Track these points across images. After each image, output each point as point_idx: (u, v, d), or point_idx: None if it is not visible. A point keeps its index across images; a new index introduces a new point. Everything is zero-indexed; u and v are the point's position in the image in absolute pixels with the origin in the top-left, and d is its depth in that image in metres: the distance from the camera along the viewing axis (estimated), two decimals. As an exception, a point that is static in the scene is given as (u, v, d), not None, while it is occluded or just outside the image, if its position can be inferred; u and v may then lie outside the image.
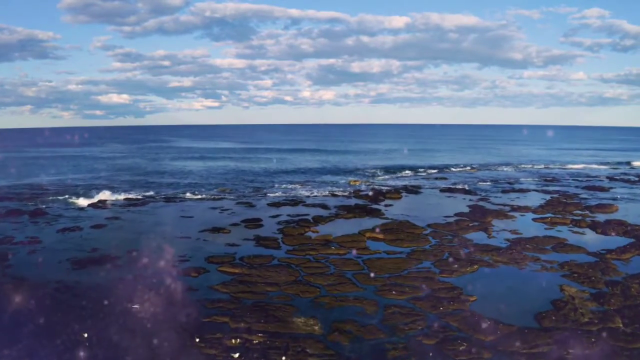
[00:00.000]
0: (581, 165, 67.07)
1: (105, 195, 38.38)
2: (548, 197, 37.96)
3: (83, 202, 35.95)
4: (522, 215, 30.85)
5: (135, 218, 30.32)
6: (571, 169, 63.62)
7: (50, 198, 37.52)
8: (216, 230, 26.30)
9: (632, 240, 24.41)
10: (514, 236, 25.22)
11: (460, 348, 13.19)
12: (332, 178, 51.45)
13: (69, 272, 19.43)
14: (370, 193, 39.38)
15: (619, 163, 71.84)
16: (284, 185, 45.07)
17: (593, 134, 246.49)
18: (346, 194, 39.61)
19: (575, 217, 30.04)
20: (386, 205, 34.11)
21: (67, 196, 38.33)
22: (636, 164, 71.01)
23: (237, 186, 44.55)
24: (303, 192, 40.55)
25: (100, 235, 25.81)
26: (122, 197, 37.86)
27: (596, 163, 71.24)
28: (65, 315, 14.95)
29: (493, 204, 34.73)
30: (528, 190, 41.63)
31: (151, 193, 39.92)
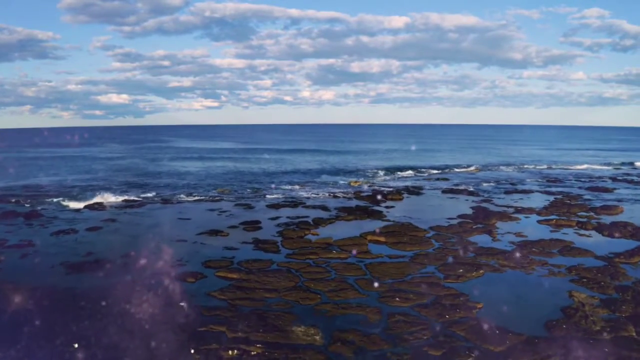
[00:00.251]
0: (584, 166, 66.46)
1: (101, 196, 37.74)
2: (552, 198, 37.37)
3: (79, 203, 35.31)
4: (526, 217, 30.25)
5: (132, 220, 29.70)
6: (573, 169, 63.04)
7: (47, 199, 36.91)
8: (214, 233, 25.69)
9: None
10: (519, 239, 24.61)
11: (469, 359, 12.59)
12: (332, 179, 50.84)
13: (61, 278, 18.80)
14: (371, 194, 38.77)
15: (622, 163, 71.26)
16: (284, 186, 44.45)
17: (593, 133, 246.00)
18: (347, 195, 39.00)
19: (580, 219, 29.44)
20: (387, 207, 33.51)
21: (63, 197, 37.72)
22: (639, 164, 70.46)
23: (236, 187, 43.94)
24: (303, 193, 39.93)
25: (95, 239, 25.21)
26: (119, 198, 37.24)
27: (598, 163, 70.66)
28: (53, 323, 14.33)
29: (496, 205, 34.12)
30: (531, 192, 41.02)
31: (148, 194, 39.30)
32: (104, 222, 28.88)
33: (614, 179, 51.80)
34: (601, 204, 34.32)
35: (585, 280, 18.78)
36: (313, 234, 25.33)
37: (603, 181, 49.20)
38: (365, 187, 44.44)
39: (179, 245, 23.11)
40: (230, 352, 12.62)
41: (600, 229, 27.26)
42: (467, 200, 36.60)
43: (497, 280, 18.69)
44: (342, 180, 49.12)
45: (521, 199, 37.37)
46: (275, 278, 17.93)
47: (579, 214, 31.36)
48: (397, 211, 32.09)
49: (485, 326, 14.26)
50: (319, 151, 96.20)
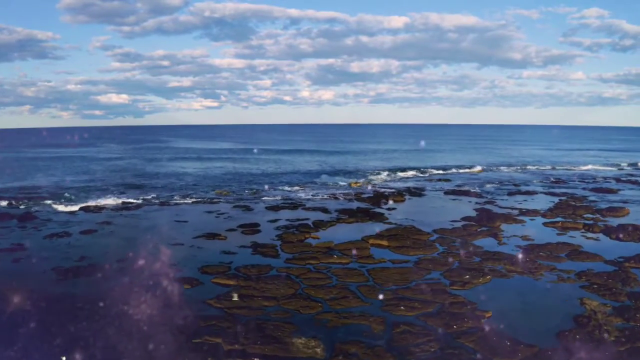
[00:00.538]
0: (587, 167, 65.76)
1: (98, 198, 37.09)
2: (556, 199, 36.68)
3: (75, 205, 34.60)
4: (531, 220, 29.55)
5: (128, 223, 28.98)
6: (576, 170, 62.35)
7: (42, 201, 36.21)
8: (211, 236, 24.97)
9: (650, 246, 23.14)
10: (526, 242, 23.91)
11: (479, 374, 11.90)
12: (332, 180, 50.11)
13: (51, 284, 18.08)
14: (372, 195, 38.07)
15: (630, 164, 70.34)
16: (283, 188, 43.72)
17: (593, 133, 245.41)
18: (347, 196, 38.29)
19: (586, 222, 28.75)
20: (389, 209, 32.80)
21: (58, 199, 37.04)
22: (642, 164, 69.80)
23: (235, 188, 43.20)
24: (302, 195, 39.22)
25: (89, 242, 24.49)
26: (115, 200, 36.51)
27: (600, 164, 70.02)
28: (39, 333, 13.61)
29: (500, 207, 33.42)
30: (535, 193, 40.33)
31: (145, 196, 38.55)
32: (99, 224, 28.17)
33: (617, 179, 51.14)
34: (607, 206, 33.64)
35: (595, 286, 18.09)
36: (313, 238, 24.62)
37: (607, 182, 48.53)
38: (366, 188, 43.73)
39: (175, 249, 22.38)
40: (226, 366, 11.93)
41: (607, 231, 26.57)
42: (470, 201, 35.91)
43: (504, 286, 17.99)
44: (342, 181, 48.40)
45: (525, 200, 36.68)
46: (274, 285, 17.21)
47: (585, 216, 30.68)
48: (399, 213, 31.39)
49: (495, 337, 13.56)
50: (319, 151, 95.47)
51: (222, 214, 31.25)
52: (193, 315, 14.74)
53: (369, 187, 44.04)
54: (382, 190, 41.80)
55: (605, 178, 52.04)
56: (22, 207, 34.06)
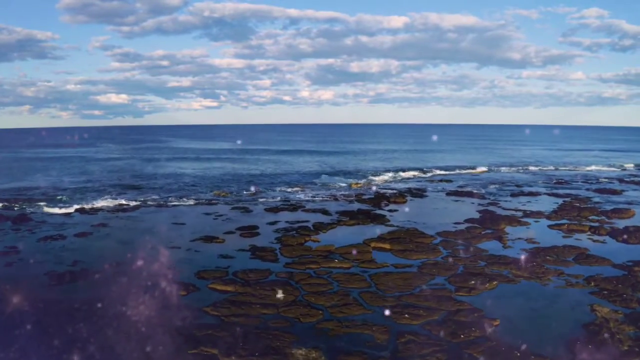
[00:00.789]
0: (590, 167, 65.19)
1: (94, 199, 36.48)
2: (560, 201, 36.09)
3: (70, 207, 33.95)
4: (536, 222, 28.95)
5: (124, 225, 28.36)
6: (578, 170, 61.77)
7: (37, 203, 35.54)
8: (209, 239, 24.36)
9: (659, 250, 22.56)
10: (531, 245, 23.32)
11: (488, 387, 11.30)
12: (332, 180, 49.45)
13: (43, 290, 17.46)
14: (373, 197, 37.46)
15: (636, 165, 69.54)
16: (282, 189, 43.09)
17: (593, 133, 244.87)
18: (348, 197, 37.69)
19: (592, 224, 28.17)
20: (390, 211, 32.20)
21: (54, 200, 36.45)
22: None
23: (233, 189, 42.56)
24: (302, 196, 38.61)
25: (83, 245, 23.89)
26: (111, 201, 35.87)
27: (602, 164, 69.43)
28: (28, 340, 13.00)
29: (504, 208, 32.83)
30: (538, 194, 39.74)
31: (143, 197, 37.91)
32: (95, 227, 27.56)
33: (620, 180, 50.58)
34: (612, 207, 33.05)
35: (605, 292, 17.51)
36: (313, 241, 24.01)
37: (610, 183, 47.95)
38: (367, 189, 43.12)
39: (171, 253, 21.73)
40: (222, 379, 11.32)
41: (614, 234, 25.99)
42: (472, 203, 35.32)
43: (511, 292, 17.38)
44: (342, 182, 47.76)
45: (529, 201, 36.08)
46: (273, 291, 16.59)
47: (590, 217, 30.10)
48: (400, 215, 30.79)
49: (504, 347, 12.97)
50: (319, 152, 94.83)
51: (221, 215, 30.65)
52: (188, 324, 14.14)
53: (370, 188, 43.42)
54: (383, 191, 41.20)
55: (608, 179, 51.46)
56: (16, 208, 33.44)
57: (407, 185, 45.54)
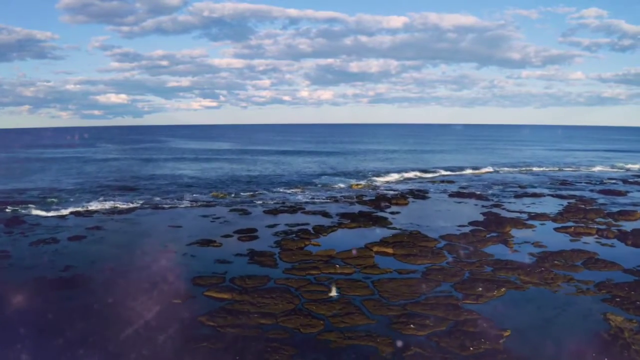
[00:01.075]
0: (593, 168, 64.46)
1: (90, 201, 35.71)
2: (565, 202, 35.40)
3: (65, 209, 33.20)
4: (541, 224, 28.24)
5: (119, 228, 27.63)
6: (581, 171, 61.08)
7: (31, 204, 34.74)
8: (206, 242, 23.62)
9: (670, 254, 21.86)
10: (539, 250, 22.61)
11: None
12: (332, 181, 48.68)
13: (32, 297, 16.70)
14: (374, 198, 36.75)
15: None
16: (282, 190, 42.33)
17: (593, 133, 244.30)
18: (348, 199, 36.95)
19: (599, 226, 27.47)
20: (392, 213, 31.47)
21: (49, 202, 35.70)
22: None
23: (232, 190, 41.80)
24: (302, 198, 37.87)
25: (77, 249, 23.15)
26: (107, 203, 35.10)
27: (605, 165, 68.72)
28: (12, 354, 12.28)
29: (508, 210, 32.12)
30: (542, 195, 39.04)
31: (139, 199, 37.15)
32: (89, 230, 26.83)
33: (624, 181, 49.89)
34: (618, 209, 32.36)
35: (618, 299, 16.80)
36: (314, 245, 23.29)
37: (614, 184, 47.25)
38: (368, 190, 42.39)
39: (166, 258, 21.03)
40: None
41: (622, 237, 25.30)
42: (476, 205, 34.60)
43: (521, 300, 16.67)
44: (342, 183, 46.99)
45: (533, 203, 35.37)
46: (272, 299, 15.86)
47: (597, 220, 29.41)
48: (403, 217, 30.06)
49: (516, 361, 12.24)
50: (318, 152, 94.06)
51: (218, 218, 29.92)
52: (183, 335, 13.41)
53: (371, 189, 42.69)
54: (384, 192, 40.48)
55: (612, 179, 50.77)
56: (8, 210, 32.67)
57: (408, 186, 44.82)
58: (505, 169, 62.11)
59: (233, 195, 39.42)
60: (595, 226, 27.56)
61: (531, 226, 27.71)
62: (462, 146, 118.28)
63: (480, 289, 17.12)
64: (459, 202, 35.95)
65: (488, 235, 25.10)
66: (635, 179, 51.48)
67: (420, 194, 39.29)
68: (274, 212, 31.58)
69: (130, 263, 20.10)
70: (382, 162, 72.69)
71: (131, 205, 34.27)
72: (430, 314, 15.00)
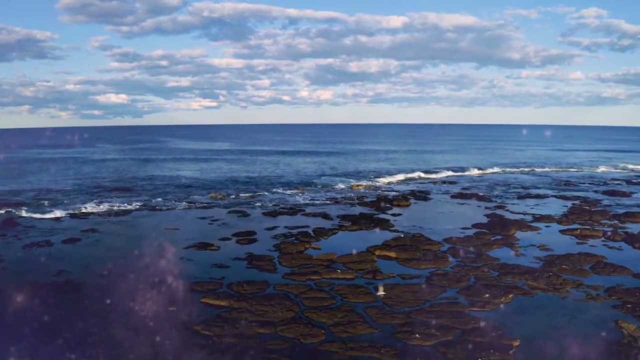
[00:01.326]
0: (596, 169, 63.87)
1: (86, 202, 35.06)
2: (569, 204, 34.82)
3: (61, 211, 32.54)
4: (547, 227, 27.65)
5: (115, 230, 27.03)
6: (583, 171, 60.50)
7: (26, 206, 34.08)
8: (203, 246, 23.03)
9: (679, 257, 21.27)
10: (545, 253, 22.02)
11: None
12: (332, 182, 48.06)
13: (23, 302, 16.09)
14: (375, 199, 36.16)
15: None
16: (281, 191, 41.71)
17: (593, 133, 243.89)
18: (349, 200, 36.35)
19: (606, 229, 26.89)
20: (394, 215, 30.87)
21: (45, 204, 35.05)
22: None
23: (231, 191, 41.17)
24: (302, 199, 37.26)
25: (71, 253, 22.56)
26: (104, 204, 34.45)
27: (607, 165, 68.13)
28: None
29: (512, 212, 31.53)
30: (545, 196, 38.46)
31: (136, 200, 36.49)
32: (84, 232, 26.23)
33: (628, 181, 49.34)
34: (623, 211, 31.78)
35: (629, 306, 16.20)
36: (314, 248, 22.69)
37: (618, 185, 46.68)
38: (368, 191, 41.78)
39: (162, 262, 20.37)
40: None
41: (630, 240, 24.70)
42: (479, 206, 34.02)
43: (529, 306, 16.07)
44: (342, 184, 46.36)
45: (537, 204, 34.78)
46: (270, 307, 15.25)
47: (603, 222, 28.83)
48: (405, 219, 29.47)
49: (528, 373, 11.64)
50: (318, 152, 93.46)
51: (216, 220, 29.31)
52: (176, 346, 12.80)
53: (371, 190, 42.08)
54: (386, 193, 39.90)
55: (615, 180, 50.19)
56: (3, 212, 32.04)
57: (409, 187, 44.23)
58: (507, 169, 61.51)
59: (232, 196, 38.80)
60: (602, 228, 26.99)
61: (536, 228, 27.12)
62: (463, 146, 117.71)
63: (487, 295, 16.53)
64: (462, 204, 35.36)
65: (493, 238, 24.52)
66: (639, 180, 50.92)
67: (421, 195, 38.70)
68: (273, 213, 30.99)
69: (125, 267, 19.47)
70: (382, 162, 72.10)
71: (128, 207, 33.66)
72: (436, 322, 14.38)
